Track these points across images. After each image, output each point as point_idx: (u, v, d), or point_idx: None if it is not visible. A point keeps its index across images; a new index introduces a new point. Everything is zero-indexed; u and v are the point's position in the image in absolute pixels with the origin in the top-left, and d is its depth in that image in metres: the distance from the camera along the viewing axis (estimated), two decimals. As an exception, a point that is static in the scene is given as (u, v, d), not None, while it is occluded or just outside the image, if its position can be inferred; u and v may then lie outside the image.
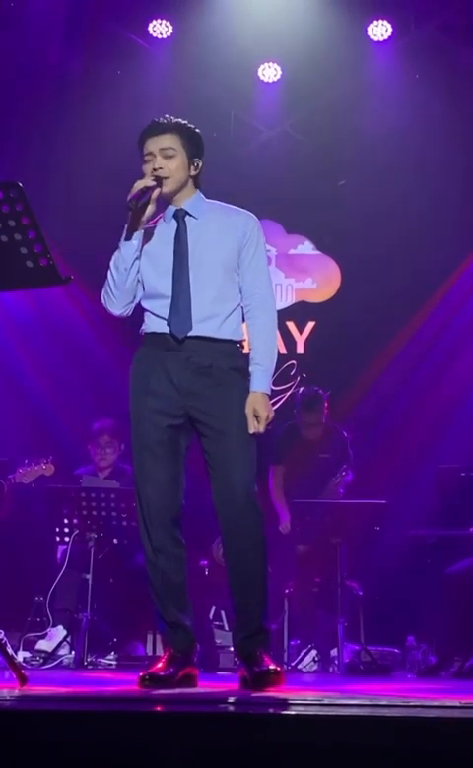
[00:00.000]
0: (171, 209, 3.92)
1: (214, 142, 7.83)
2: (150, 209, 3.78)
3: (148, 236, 3.88)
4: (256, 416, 3.75)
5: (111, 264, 3.84)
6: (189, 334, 3.77)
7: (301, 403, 6.80)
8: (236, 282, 3.89)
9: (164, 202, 3.89)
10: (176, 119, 3.91)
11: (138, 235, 3.81)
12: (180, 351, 3.78)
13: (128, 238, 3.80)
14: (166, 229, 3.90)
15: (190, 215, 3.91)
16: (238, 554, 3.75)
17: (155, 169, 3.81)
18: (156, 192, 3.76)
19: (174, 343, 3.79)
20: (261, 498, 3.82)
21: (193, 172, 3.92)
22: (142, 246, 3.84)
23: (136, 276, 3.85)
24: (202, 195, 3.98)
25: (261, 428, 3.75)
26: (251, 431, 3.74)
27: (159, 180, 3.79)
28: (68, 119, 7.72)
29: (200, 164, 3.93)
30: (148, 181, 3.77)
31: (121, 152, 7.51)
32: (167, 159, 3.84)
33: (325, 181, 8.10)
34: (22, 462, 6.34)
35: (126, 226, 3.81)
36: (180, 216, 3.90)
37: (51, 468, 6.32)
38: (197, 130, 3.94)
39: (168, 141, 3.85)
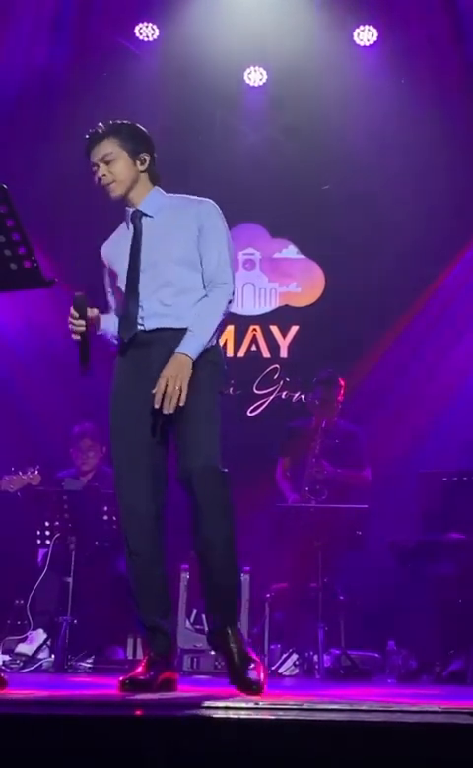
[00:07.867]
0: (128, 211, 3.92)
1: (199, 144, 7.94)
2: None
3: (113, 246, 3.96)
4: (167, 378, 3.61)
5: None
6: (157, 326, 3.77)
7: (319, 380, 6.86)
8: (199, 271, 3.84)
9: (121, 204, 3.91)
10: (112, 122, 3.91)
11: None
12: (150, 344, 3.77)
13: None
14: (126, 235, 3.92)
15: (146, 214, 3.90)
16: (207, 524, 3.62)
17: (100, 178, 3.86)
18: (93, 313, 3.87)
19: (145, 337, 3.79)
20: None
21: (141, 168, 3.90)
22: (108, 257, 3.94)
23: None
24: (160, 190, 3.96)
25: (163, 388, 3.59)
26: (155, 392, 3.61)
27: (83, 299, 3.82)
28: (54, 120, 7.70)
29: (148, 158, 3.91)
30: (74, 337, 3.85)
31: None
32: (108, 164, 3.86)
33: (310, 185, 8.10)
34: (7, 470, 6.29)
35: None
36: (137, 217, 3.90)
37: (38, 477, 6.27)
38: (137, 125, 3.94)
39: (106, 147, 3.86)
